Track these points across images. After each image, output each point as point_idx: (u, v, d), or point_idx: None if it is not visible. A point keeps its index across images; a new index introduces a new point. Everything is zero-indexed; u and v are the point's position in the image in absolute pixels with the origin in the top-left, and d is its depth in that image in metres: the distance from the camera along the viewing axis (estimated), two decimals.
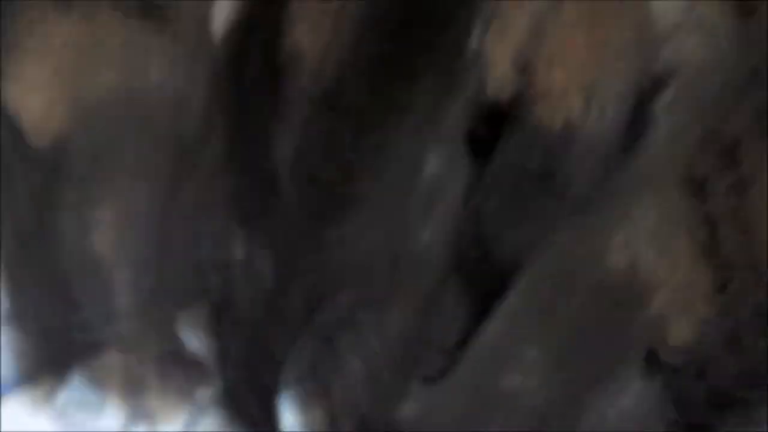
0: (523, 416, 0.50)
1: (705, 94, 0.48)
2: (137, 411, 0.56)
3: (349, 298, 0.51)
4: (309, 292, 0.52)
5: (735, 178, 0.47)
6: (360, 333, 0.52)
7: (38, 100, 0.51)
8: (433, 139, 0.49)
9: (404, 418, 0.51)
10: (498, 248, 0.51)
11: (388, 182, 0.49)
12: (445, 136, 0.49)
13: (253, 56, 0.50)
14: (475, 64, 0.48)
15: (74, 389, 0.56)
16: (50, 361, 0.57)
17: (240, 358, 0.54)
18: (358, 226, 0.49)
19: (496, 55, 0.48)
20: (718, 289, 0.47)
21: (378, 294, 0.51)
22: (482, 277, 0.51)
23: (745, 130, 0.47)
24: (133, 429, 0.56)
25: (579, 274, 0.49)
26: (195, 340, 0.56)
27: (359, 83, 0.48)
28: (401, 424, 0.52)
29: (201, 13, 0.50)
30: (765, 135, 0.46)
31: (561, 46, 0.48)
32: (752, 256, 0.47)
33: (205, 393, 0.56)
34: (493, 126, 0.49)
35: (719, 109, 0.47)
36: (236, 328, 0.54)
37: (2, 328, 0.55)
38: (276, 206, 0.50)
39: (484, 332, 0.50)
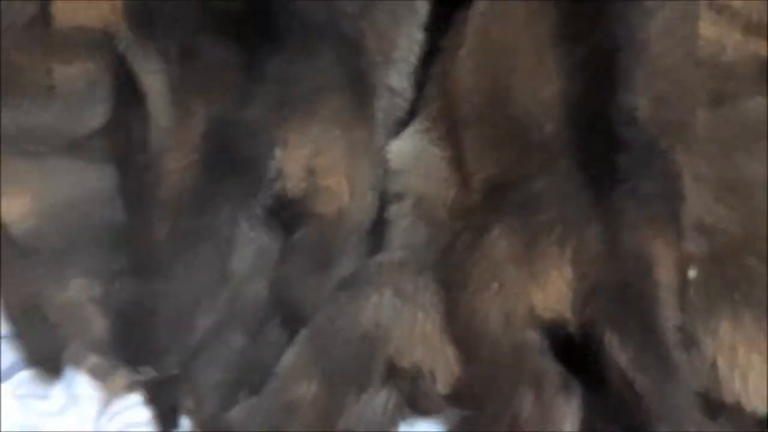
0: (308, 417, 0.72)
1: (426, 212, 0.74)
2: None
3: (204, 326, 0.75)
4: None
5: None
6: (211, 353, 0.75)
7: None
8: (247, 222, 0.74)
9: (234, 419, 0.74)
10: (297, 299, 0.75)
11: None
12: (255, 222, 0.74)
13: None
14: (278, 174, 0.74)
15: None
16: None
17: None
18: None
19: (291, 168, 0.74)
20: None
21: (221, 327, 0.75)
22: (291, 319, 0.75)
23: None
24: None
25: (344, 324, 0.73)
26: None
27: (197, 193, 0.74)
28: (231, 424, 0.74)
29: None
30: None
31: (334, 161, 0.74)
32: None
33: None
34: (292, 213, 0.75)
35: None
36: None
37: None
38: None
39: (285, 358, 0.73)
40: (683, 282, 0.71)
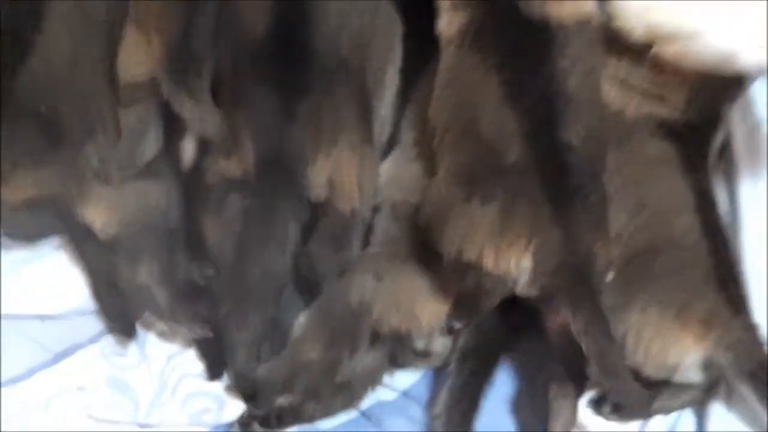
0: (315, 371, 1.00)
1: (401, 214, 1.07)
2: None
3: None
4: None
5: None
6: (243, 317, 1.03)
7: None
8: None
9: (260, 375, 1.01)
10: (318, 272, 1.05)
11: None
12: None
13: None
14: (308, 185, 1.03)
15: None
16: None
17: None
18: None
19: (317, 181, 1.03)
20: None
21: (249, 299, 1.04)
22: (308, 289, 1.05)
23: None
24: None
25: (337, 303, 1.02)
26: None
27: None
28: (258, 379, 1.01)
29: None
30: None
31: (349, 176, 1.05)
32: None
33: None
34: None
35: None
36: None
37: None
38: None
39: (296, 329, 1.02)
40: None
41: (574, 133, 0.98)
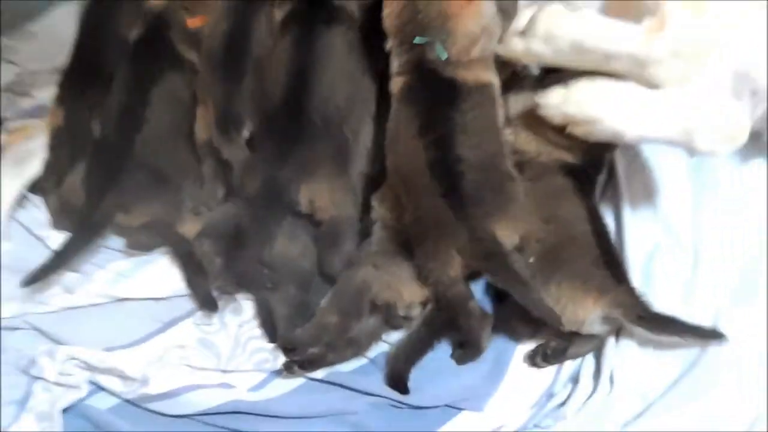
0: (332, 333, 1.44)
1: (388, 226, 1.54)
2: None
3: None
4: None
5: None
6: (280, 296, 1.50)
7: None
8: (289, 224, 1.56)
9: (296, 337, 1.45)
10: (323, 264, 1.52)
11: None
12: (296, 225, 1.56)
13: None
14: (298, 203, 1.54)
15: None
16: None
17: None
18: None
19: (303, 200, 1.54)
20: None
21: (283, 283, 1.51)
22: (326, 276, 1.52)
23: None
24: None
25: (348, 284, 1.48)
26: None
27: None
28: (295, 340, 1.45)
29: None
30: None
31: (323, 196, 1.54)
32: None
33: None
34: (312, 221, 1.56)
35: None
36: None
37: None
38: None
39: (322, 302, 1.47)
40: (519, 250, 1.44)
41: (465, 149, 1.43)
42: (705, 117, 1.36)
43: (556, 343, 1.47)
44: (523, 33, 1.42)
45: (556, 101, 1.40)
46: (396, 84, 1.50)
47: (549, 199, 1.52)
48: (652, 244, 1.59)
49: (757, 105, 1.50)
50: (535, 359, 1.48)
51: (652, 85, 1.36)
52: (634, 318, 1.42)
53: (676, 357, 1.45)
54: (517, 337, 1.52)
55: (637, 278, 1.53)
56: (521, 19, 1.44)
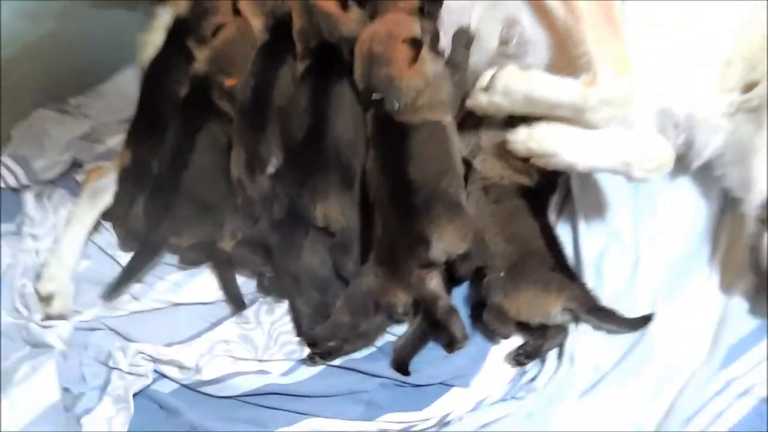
0: (345, 330, 1.57)
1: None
2: None
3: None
4: None
5: None
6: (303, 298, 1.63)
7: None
8: (311, 237, 1.66)
9: (317, 333, 1.58)
10: (338, 268, 1.63)
11: None
12: (316, 238, 1.66)
13: None
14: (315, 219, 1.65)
15: None
16: None
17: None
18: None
19: (319, 216, 1.65)
20: None
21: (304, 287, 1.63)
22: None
23: None
24: None
25: (356, 290, 1.60)
26: None
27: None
28: (315, 335, 1.58)
29: None
30: None
31: (336, 212, 1.64)
32: None
33: None
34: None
35: None
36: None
37: None
38: None
39: (336, 304, 1.59)
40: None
41: (414, 171, 1.54)
42: (638, 152, 1.48)
43: (534, 343, 1.58)
44: (485, 89, 1.53)
45: (522, 138, 1.52)
46: (369, 128, 1.66)
47: (509, 219, 1.61)
48: (601, 247, 1.70)
49: (679, 135, 1.62)
50: (519, 359, 1.58)
51: (589, 127, 1.48)
52: (586, 309, 1.55)
53: (621, 339, 1.57)
54: (493, 336, 1.62)
55: (590, 273, 1.65)
56: (483, 79, 1.55)
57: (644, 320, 1.55)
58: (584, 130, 1.49)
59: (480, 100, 1.55)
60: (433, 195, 1.54)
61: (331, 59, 1.73)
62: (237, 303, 1.68)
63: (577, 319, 1.59)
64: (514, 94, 1.50)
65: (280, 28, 1.77)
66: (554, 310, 1.54)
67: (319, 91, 1.71)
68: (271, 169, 1.69)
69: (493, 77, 1.52)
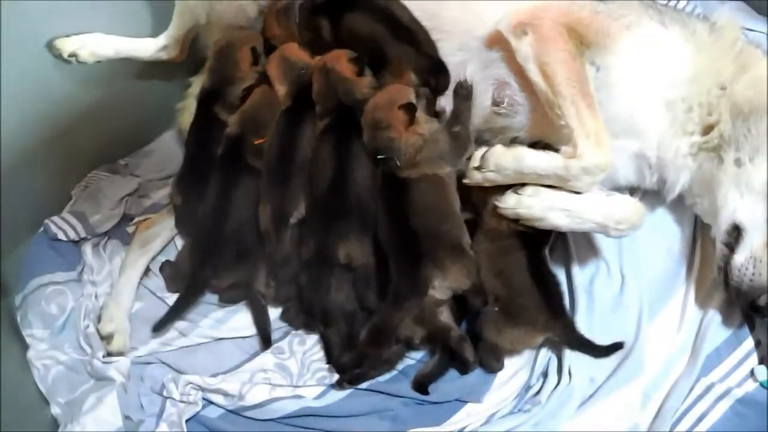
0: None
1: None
2: None
3: None
4: None
5: None
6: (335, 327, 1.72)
7: None
8: None
9: (345, 359, 1.69)
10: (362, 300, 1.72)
11: None
12: None
13: None
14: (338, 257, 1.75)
15: None
16: None
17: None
18: None
19: (341, 255, 1.75)
20: None
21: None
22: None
23: None
24: None
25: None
26: None
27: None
28: (345, 362, 1.69)
29: None
30: None
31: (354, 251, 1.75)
32: None
33: None
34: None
35: None
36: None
37: None
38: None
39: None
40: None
41: (416, 221, 1.63)
42: (614, 216, 1.60)
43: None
44: (479, 168, 1.64)
45: (512, 205, 1.63)
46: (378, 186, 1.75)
47: (499, 255, 1.69)
48: (591, 273, 1.82)
49: (653, 174, 1.75)
50: None
51: (574, 191, 1.60)
52: (566, 342, 1.66)
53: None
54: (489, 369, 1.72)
55: (582, 296, 1.76)
56: (474, 159, 1.65)
57: (615, 347, 1.64)
58: (568, 196, 1.59)
59: (476, 178, 1.65)
60: (436, 240, 1.62)
61: (348, 118, 1.81)
62: (265, 339, 1.78)
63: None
64: (505, 170, 1.61)
65: (302, 94, 1.87)
66: (538, 342, 1.68)
67: (339, 145, 1.79)
68: (293, 220, 1.77)
69: (483, 157, 1.63)
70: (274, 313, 1.85)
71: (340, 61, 1.84)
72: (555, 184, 1.59)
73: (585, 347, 1.64)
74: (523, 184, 1.63)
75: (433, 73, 1.80)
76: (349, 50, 1.86)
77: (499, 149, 1.61)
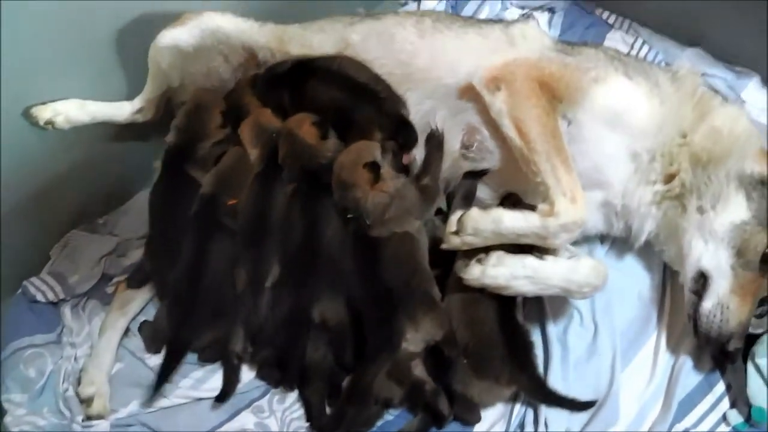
0: None
1: None
2: None
3: None
4: None
5: None
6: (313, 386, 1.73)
7: None
8: None
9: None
10: None
11: None
12: None
13: None
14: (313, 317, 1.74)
15: None
16: None
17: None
18: None
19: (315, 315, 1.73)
20: None
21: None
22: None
23: None
24: None
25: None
26: None
27: None
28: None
29: None
30: None
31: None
32: None
33: None
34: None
35: None
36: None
37: None
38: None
39: None
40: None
41: (388, 276, 1.63)
42: (577, 280, 1.62)
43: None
44: (456, 232, 1.62)
45: (476, 276, 1.62)
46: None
47: (471, 305, 1.67)
48: (564, 323, 1.83)
49: (619, 222, 1.78)
50: None
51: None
52: (533, 396, 1.66)
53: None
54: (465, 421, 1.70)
55: (556, 347, 1.76)
56: (451, 224, 1.64)
57: (587, 405, 1.62)
58: (532, 263, 1.60)
59: (454, 243, 1.63)
60: (408, 293, 1.63)
61: (314, 181, 1.82)
62: (222, 398, 1.77)
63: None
64: (483, 233, 1.59)
65: (273, 158, 1.88)
66: (506, 396, 1.67)
67: (307, 208, 1.79)
68: (268, 283, 1.77)
69: (460, 221, 1.61)
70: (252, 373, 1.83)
71: (303, 125, 1.86)
72: (533, 242, 1.60)
73: (553, 401, 1.63)
74: (487, 253, 1.62)
75: (398, 131, 1.82)
76: (312, 114, 1.87)
77: (475, 213, 1.60)
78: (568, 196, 1.57)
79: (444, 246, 1.65)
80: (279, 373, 1.78)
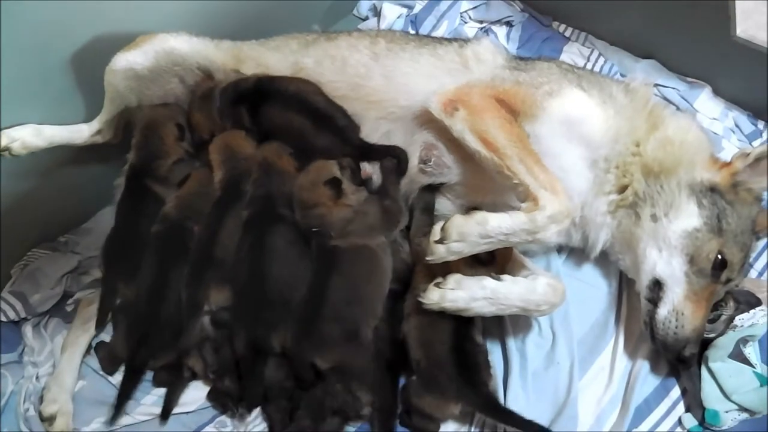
0: None
1: None
2: None
3: None
4: None
5: None
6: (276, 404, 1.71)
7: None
8: None
9: None
10: None
11: None
12: None
13: None
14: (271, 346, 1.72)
15: None
16: None
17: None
18: None
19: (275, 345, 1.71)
20: None
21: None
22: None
23: None
24: None
25: None
26: None
27: None
28: None
29: None
30: None
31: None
32: None
33: None
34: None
35: None
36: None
37: None
38: None
39: None
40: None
41: (332, 283, 1.61)
42: (534, 300, 1.60)
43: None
44: (440, 241, 1.56)
45: (435, 300, 1.60)
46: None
47: (428, 327, 1.65)
48: (524, 332, 1.82)
49: (577, 232, 1.78)
50: None
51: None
52: (481, 411, 1.63)
53: (546, 408, 1.69)
54: None
55: (515, 357, 1.76)
56: (434, 233, 1.58)
57: (541, 429, 1.57)
58: (490, 284, 1.58)
59: (440, 253, 1.56)
60: (337, 315, 1.62)
61: (266, 211, 1.78)
62: (165, 416, 1.75)
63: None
64: (470, 236, 1.53)
65: (233, 186, 1.85)
66: (455, 412, 1.64)
67: (256, 240, 1.75)
68: (203, 313, 1.74)
69: (443, 229, 1.55)
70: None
71: (282, 157, 1.85)
72: (522, 241, 1.55)
73: (506, 419, 1.60)
74: (444, 278, 1.60)
75: (364, 158, 1.81)
76: (282, 143, 1.86)
77: (458, 219, 1.55)
78: (549, 189, 1.54)
79: (429, 258, 1.58)
80: (222, 396, 1.76)
